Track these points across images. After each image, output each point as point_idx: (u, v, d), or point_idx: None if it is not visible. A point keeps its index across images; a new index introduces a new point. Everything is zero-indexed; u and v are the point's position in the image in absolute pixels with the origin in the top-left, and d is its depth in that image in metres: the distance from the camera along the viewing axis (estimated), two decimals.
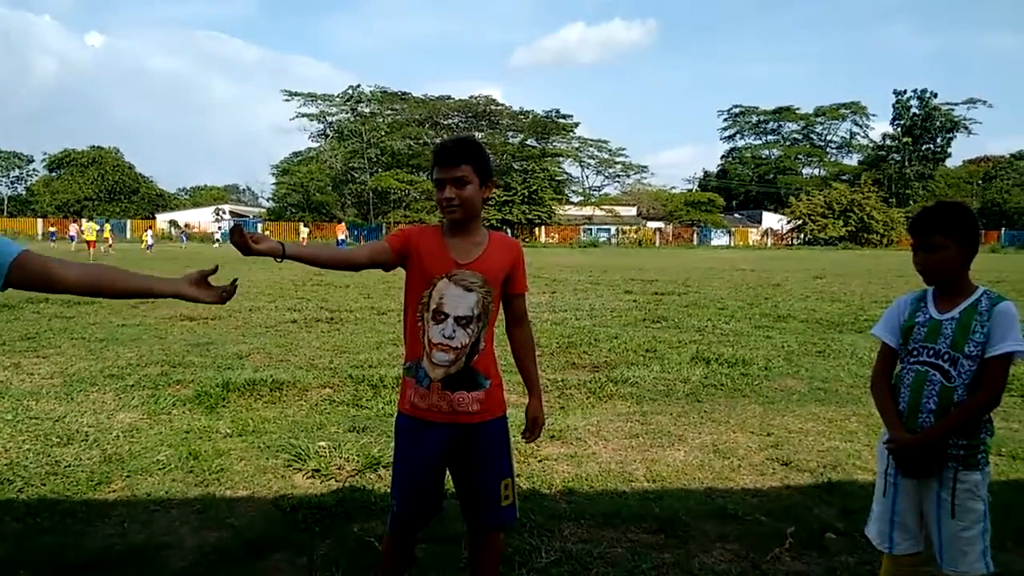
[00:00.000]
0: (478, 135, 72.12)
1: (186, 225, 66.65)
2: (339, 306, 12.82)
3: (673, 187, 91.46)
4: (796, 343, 9.11)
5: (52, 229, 49.92)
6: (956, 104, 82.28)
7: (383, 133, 70.25)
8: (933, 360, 2.36)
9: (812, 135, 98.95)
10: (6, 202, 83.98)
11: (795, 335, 9.82)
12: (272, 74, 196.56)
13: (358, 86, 71.77)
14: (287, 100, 74.53)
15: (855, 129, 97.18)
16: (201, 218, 70.35)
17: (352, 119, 71.83)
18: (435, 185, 2.42)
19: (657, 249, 63.73)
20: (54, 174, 79.30)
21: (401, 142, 70.48)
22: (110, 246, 39.30)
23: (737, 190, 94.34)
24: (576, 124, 79.27)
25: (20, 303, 12.17)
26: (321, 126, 75.30)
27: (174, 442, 4.85)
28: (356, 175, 70.47)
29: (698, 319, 11.43)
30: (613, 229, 73.92)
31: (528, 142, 75.82)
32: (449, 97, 74.84)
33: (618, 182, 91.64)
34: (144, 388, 6.31)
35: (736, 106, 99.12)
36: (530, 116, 75.36)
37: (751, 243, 74.83)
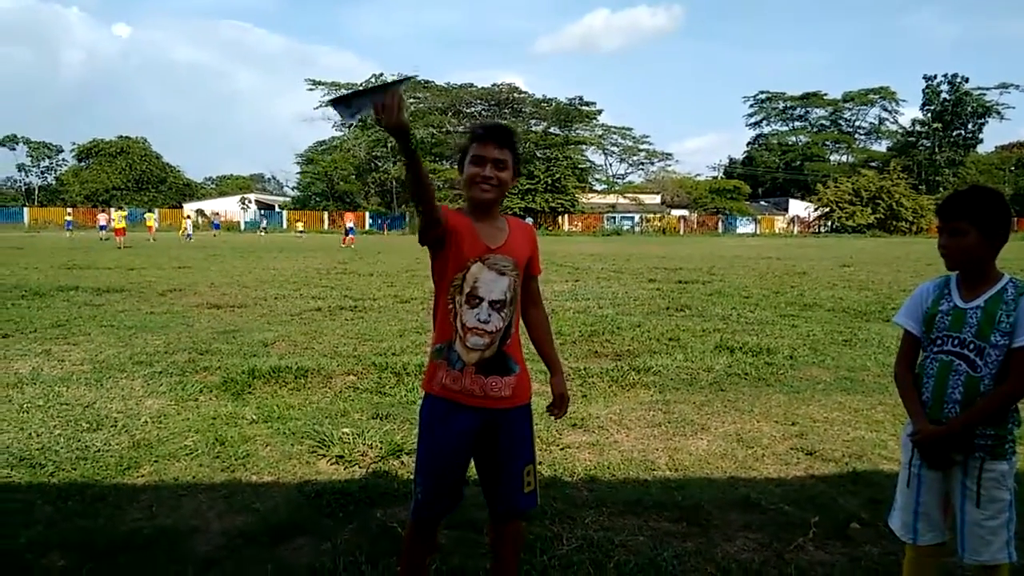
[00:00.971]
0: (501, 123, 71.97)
1: (214, 213, 67.28)
2: (363, 294, 12.90)
3: (698, 174, 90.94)
4: (822, 332, 9.02)
5: (68, 218, 50.01)
6: (988, 89, 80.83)
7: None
8: (958, 349, 2.32)
9: (840, 121, 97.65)
10: (37, 191, 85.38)
11: (821, 324, 9.72)
12: (296, 63, 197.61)
13: (381, 74, 71.90)
14: (311, 89, 75.30)
15: (884, 115, 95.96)
16: (227, 207, 71.03)
17: None
18: (472, 161, 2.38)
19: (681, 237, 63.33)
20: (83, 164, 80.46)
21: (424, 130, 70.52)
22: (153, 237, 39.72)
23: (763, 177, 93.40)
24: (599, 111, 78.95)
25: (51, 291, 12.41)
26: None
27: (201, 428, 4.92)
28: (379, 164, 70.73)
29: (722, 307, 11.35)
30: (637, 217, 73.55)
31: (551, 130, 75.52)
32: (472, 85, 74.77)
33: (642, 170, 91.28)
34: (172, 375, 6.41)
35: (762, 92, 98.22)
36: (553, 104, 75.04)
37: (777, 231, 74.10)
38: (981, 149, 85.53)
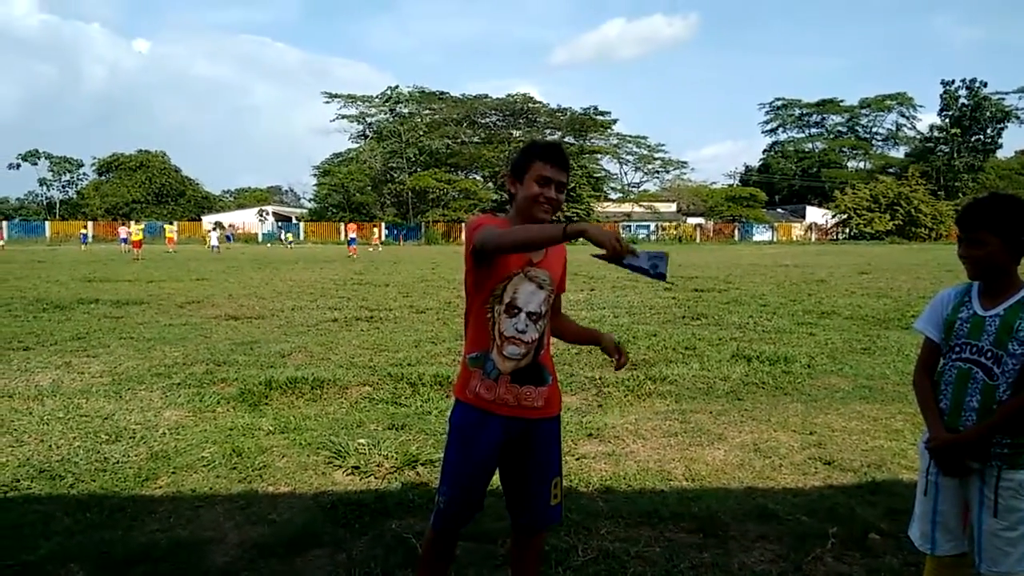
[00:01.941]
0: (515, 133, 72.14)
1: (230, 225, 67.81)
2: (379, 305, 12.96)
3: (714, 182, 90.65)
4: (840, 340, 8.94)
5: (84, 232, 50.77)
6: (1007, 93, 79.99)
7: (421, 133, 70.70)
8: (976, 357, 2.30)
9: (857, 127, 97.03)
10: (58, 205, 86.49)
11: (839, 332, 9.64)
12: (313, 76, 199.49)
13: (396, 87, 72.43)
14: (327, 102, 75.81)
15: (901, 121, 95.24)
16: (245, 219, 71.64)
17: (391, 119, 72.48)
18: (539, 182, 2.39)
19: (698, 245, 63.10)
20: (103, 178, 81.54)
21: (439, 141, 70.88)
22: (173, 248, 40.19)
23: (780, 184, 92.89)
24: (614, 121, 78.89)
25: (72, 304, 12.56)
26: (360, 127, 76.22)
27: (218, 439, 4.95)
28: (395, 175, 71.03)
29: (739, 316, 11.28)
30: (652, 226, 73.41)
31: (566, 139, 75.59)
32: (487, 96, 75.03)
33: (657, 178, 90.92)
34: (190, 386, 6.46)
35: (778, 99, 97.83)
36: (568, 113, 75.15)
37: (795, 238, 73.64)
38: (1000, 154, 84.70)
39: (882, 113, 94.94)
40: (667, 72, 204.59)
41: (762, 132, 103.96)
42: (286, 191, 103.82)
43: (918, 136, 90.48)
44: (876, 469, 4.42)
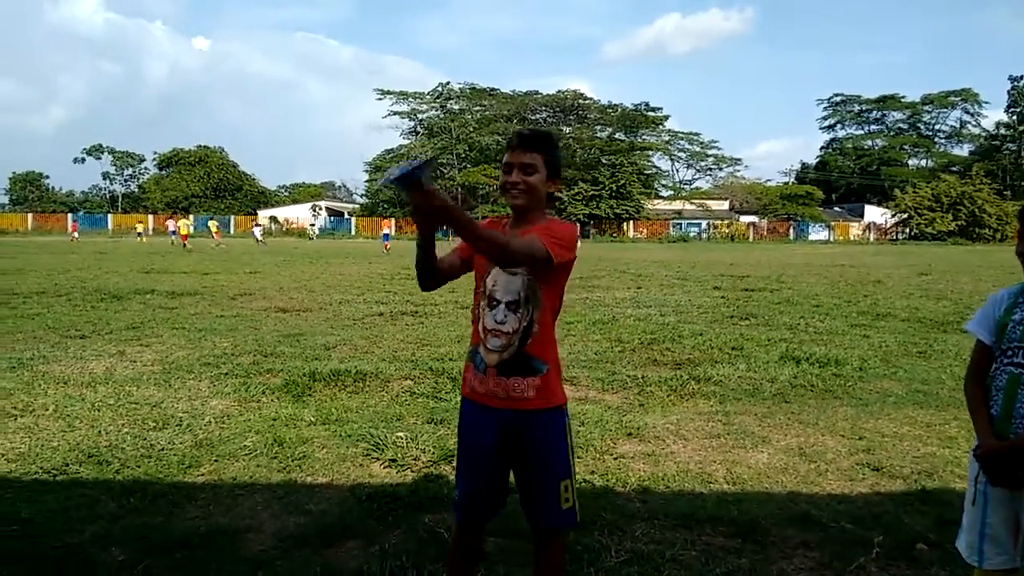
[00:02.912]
0: (566, 130, 71.87)
1: (272, 219, 68.86)
2: (424, 299, 13.01)
3: (768, 180, 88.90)
4: (895, 343, 8.67)
5: (140, 228, 51.64)
6: None
7: (471, 129, 71.04)
8: None
9: (919, 124, 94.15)
10: (120, 199, 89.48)
11: (894, 334, 9.34)
12: (366, 73, 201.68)
13: (448, 83, 72.99)
14: (380, 98, 76.60)
15: (966, 117, 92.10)
16: (299, 214, 72.96)
17: (441, 116, 73.00)
18: (503, 170, 2.45)
19: (751, 244, 62.02)
20: (164, 172, 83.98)
21: (489, 138, 71.06)
22: (220, 243, 41.23)
23: (837, 182, 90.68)
24: (666, 117, 78.08)
25: (128, 294, 12.93)
26: (412, 123, 76.92)
27: (261, 428, 5.02)
28: (445, 171, 71.48)
29: (790, 316, 11.03)
30: (704, 224, 72.34)
31: (616, 136, 75.03)
32: (537, 92, 74.98)
33: (710, 175, 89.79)
34: (237, 376, 6.58)
35: (837, 94, 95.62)
36: (618, 110, 74.56)
37: (852, 238, 71.79)
38: None
39: (945, 110, 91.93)
40: (722, 67, 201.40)
41: (820, 129, 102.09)
42: (339, 186, 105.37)
43: (983, 133, 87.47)
44: (927, 477, 4.25)
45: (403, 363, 7.20)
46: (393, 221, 63.03)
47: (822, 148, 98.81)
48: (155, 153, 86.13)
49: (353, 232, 66.99)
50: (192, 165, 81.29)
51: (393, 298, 13.41)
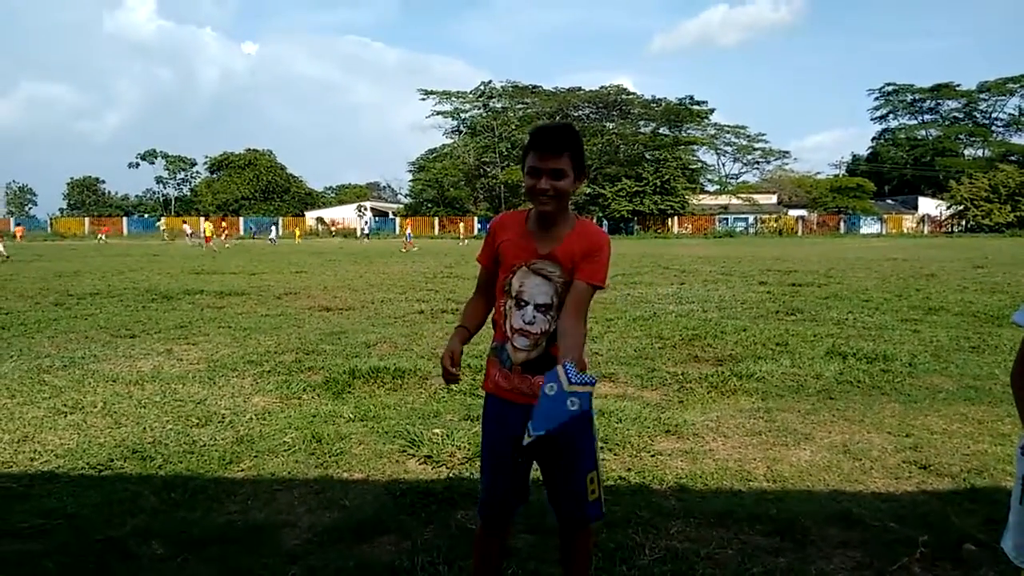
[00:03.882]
0: (609, 125, 71.37)
1: (331, 222, 69.88)
2: (465, 298, 13.00)
3: (818, 173, 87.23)
4: (947, 338, 8.39)
5: (189, 230, 53.08)
6: None
7: (514, 127, 71.00)
8: None
9: (975, 113, 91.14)
10: (173, 202, 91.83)
11: (947, 329, 9.05)
12: (410, 74, 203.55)
13: (490, 82, 73.02)
14: (423, 99, 77.19)
15: None
16: (345, 215, 73.97)
17: (484, 114, 73.13)
18: (528, 173, 2.34)
19: (799, 238, 60.81)
20: (215, 175, 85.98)
21: None
22: (226, 240, 42.16)
23: (890, 174, 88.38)
24: (711, 111, 77.03)
25: (178, 294, 13.26)
26: (455, 123, 77.27)
27: (300, 425, 5.09)
28: (488, 169, 71.67)
29: (837, 311, 10.77)
30: (751, 218, 71.17)
31: (660, 131, 74.24)
32: (579, 89, 74.53)
33: (757, 169, 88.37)
34: (279, 374, 6.68)
35: (888, 84, 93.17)
36: (662, 104, 73.74)
37: (906, 231, 69.85)
38: None
39: (1003, 97, 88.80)
40: (770, 59, 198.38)
41: (871, 119, 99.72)
42: (384, 187, 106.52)
43: None
44: (977, 475, 4.10)
45: None
46: (437, 220, 63.50)
47: (874, 139, 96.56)
48: (206, 157, 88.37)
49: (397, 232, 67.65)
50: (242, 168, 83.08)
51: (434, 296, 13.48)
